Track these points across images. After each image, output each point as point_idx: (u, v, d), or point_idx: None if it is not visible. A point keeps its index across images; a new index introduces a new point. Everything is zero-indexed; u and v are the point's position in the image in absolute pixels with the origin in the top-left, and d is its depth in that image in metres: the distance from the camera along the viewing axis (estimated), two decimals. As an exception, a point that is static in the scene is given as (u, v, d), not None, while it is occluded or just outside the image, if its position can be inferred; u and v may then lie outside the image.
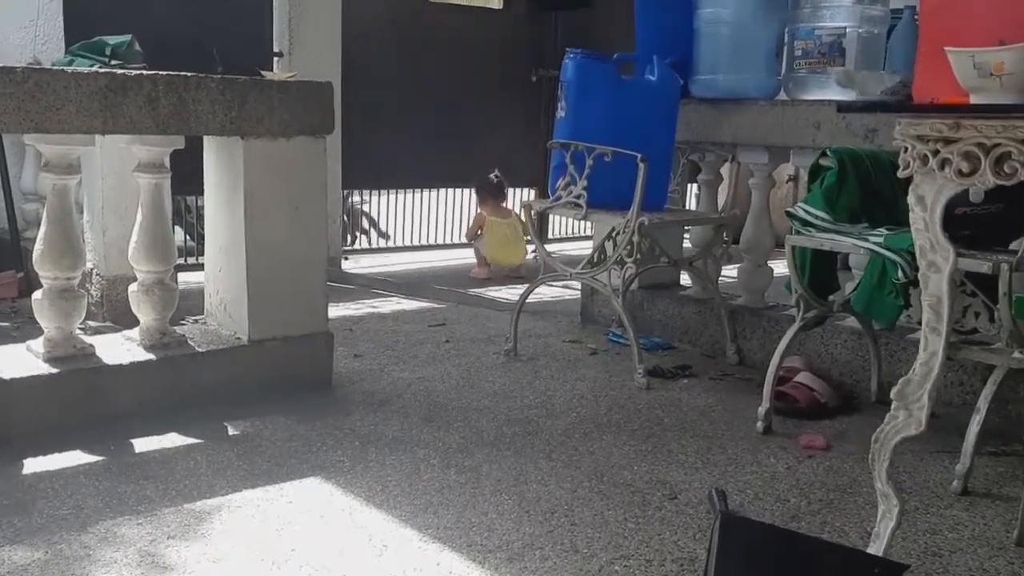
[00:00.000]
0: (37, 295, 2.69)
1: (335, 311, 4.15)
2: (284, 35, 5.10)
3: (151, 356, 2.79)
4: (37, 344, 2.71)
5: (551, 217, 6.48)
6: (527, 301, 3.69)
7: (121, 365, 2.72)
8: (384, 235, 6.48)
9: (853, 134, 3.17)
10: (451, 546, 2.05)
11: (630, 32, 3.79)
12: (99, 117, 2.52)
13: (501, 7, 6.29)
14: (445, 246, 6.43)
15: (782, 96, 3.64)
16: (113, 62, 3.23)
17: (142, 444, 2.56)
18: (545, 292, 4.69)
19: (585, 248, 5.44)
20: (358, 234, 6.33)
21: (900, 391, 1.85)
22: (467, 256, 5.79)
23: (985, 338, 2.42)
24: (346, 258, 5.75)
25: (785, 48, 3.62)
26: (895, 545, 2.03)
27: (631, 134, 3.31)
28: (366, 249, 6.30)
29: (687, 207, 4.52)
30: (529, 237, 4.81)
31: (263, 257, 2.93)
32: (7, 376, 2.55)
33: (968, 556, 2.08)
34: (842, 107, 2.45)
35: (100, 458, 2.45)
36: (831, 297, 2.91)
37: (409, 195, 6.42)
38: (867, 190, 2.74)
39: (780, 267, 3.49)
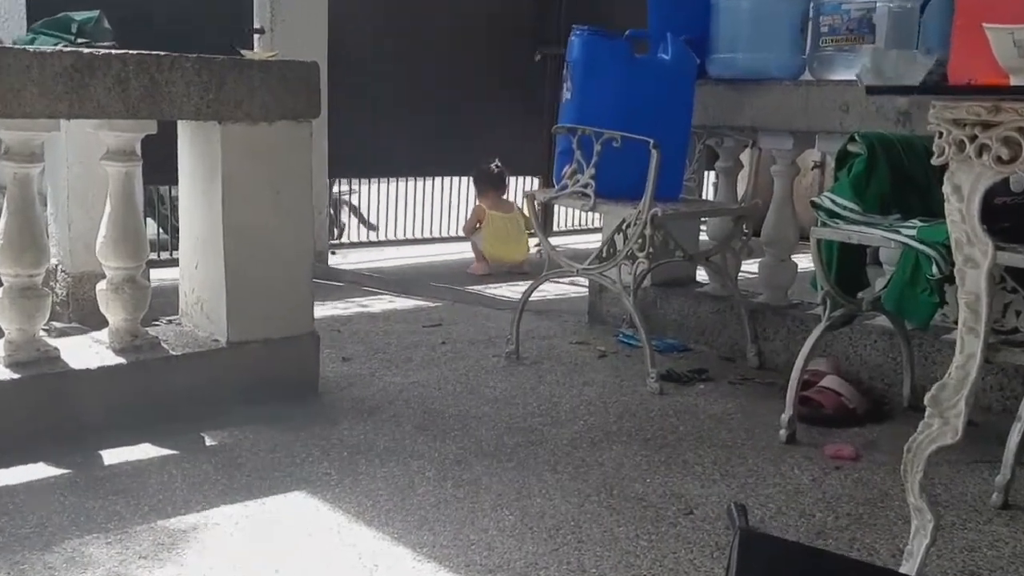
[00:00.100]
0: (-2, 294, 2.70)
1: (321, 310, 4.16)
2: (265, 10, 5.10)
3: (121, 360, 2.79)
4: (-2, 347, 2.71)
5: (556, 208, 6.48)
6: (530, 299, 3.69)
7: (89, 370, 2.72)
8: (371, 227, 6.49)
9: (884, 117, 3.17)
10: (448, 566, 2.05)
11: (642, 7, 3.78)
12: (64, 100, 2.52)
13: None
14: (441, 240, 6.43)
15: (807, 76, 3.64)
16: (79, 40, 3.23)
17: (112, 456, 2.56)
18: (549, 289, 4.69)
19: (593, 242, 5.44)
20: (339, 227, 6.33)
21: (935, 396, 1.85)
22: (465, 251, 5.79)
23: (1027, 339, 2.42)
24: (333, 252, 5.75)
25: (810, 24, 3.61)
26: (930, 564, 2.04)
27: (643, 118, 3.31)
28: (355, 243, 6.30)
29: (704, 197, 4.53)
30: (532, 231, 4.82)
31: (243, 252, 2.93)
32: (-35, 382, 2.55)
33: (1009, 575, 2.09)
34: (872, 89, 2.45)
35: (66, 471, 2.46)
36: (860, 294, 2.91)
37: (401, 184, 6.42)
38: (899, 178, 2.74)
39: (805, 262, 3.49)
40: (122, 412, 2.73)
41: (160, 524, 2.19)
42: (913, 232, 2.52)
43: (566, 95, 3.50)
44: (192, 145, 2.99)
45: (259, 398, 2.94)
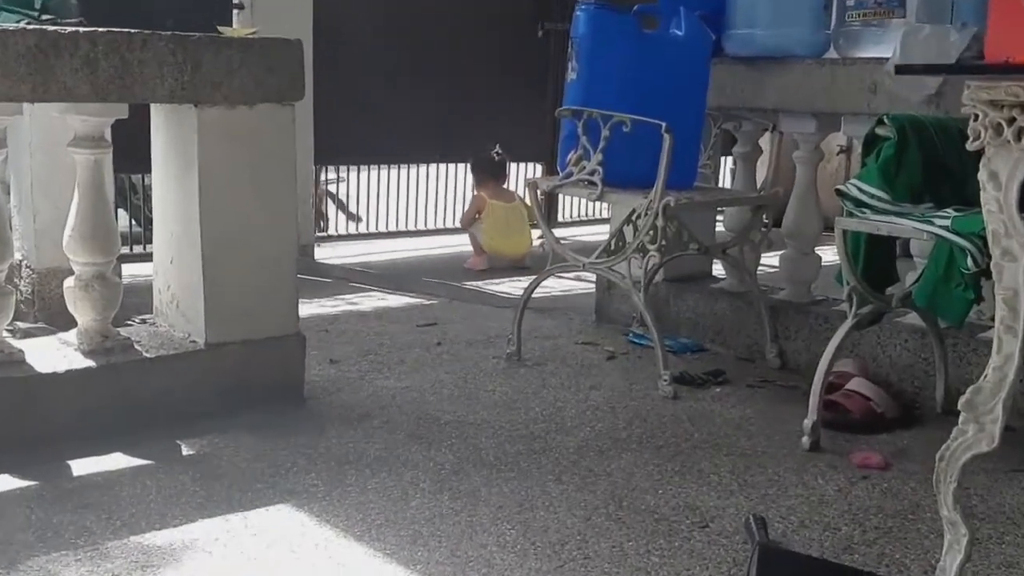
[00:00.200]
0: (-43, 292, 2.70)
1: (307, 308, 4.16)
2: (245, -16, 5.10)
3: (91, 363, 2.79)
4: (-43, 349, 2.71)
5: (560, 198, 6.49)
6: (533, 296, 3.69)
7: (56, 374, 2.72)
8: (354, 217, 6.48)
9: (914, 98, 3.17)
10: (444, 584, 2.05)
11: (653, -21, 3.78)
12: (27, 82, 2.52)
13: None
14: (436, 232, 6.44)
15: (832, 54, 3.63)
16: (44, 17, 3.23)
17: (81, 466, 2.56)
18: (553, 285, 4.69)
19: (600, 234, 5.44)
20: (324, 220, 6.33)
21: (970, 400, 1.85)
22: (462, 244, 5.79)
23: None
24: (319, 246, 5.75)
25: (835, -3, 3.61)
26: (965, 581, 2.03)
27: (654, 99, 3.30)
28: (343, 236, 6.30)
29: (720, 185, 4.52)
30: (535, 222, 4.82)
31: (222, 246, 2.93)
32: (-78, 387, 2.56)
33: (1051, 594, 2.09)
34: (901, 68, 2.44)
35: (32, 483, 2.46)
36: (889, 290, 2.90)
37: (393, 172, 6.42)
38: (932, 164, 2.74)
39: (829, 255, 3.49)
40: (92, 419, 2.73)
41: (134, 541, 2.19)
42: (947, 222, 2.52)
43: (571, 75, 3.49)
44: (166, 130, 2.99)
45: (240, 404, 2.94)
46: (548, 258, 3.58)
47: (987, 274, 2.40)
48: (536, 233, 5.31)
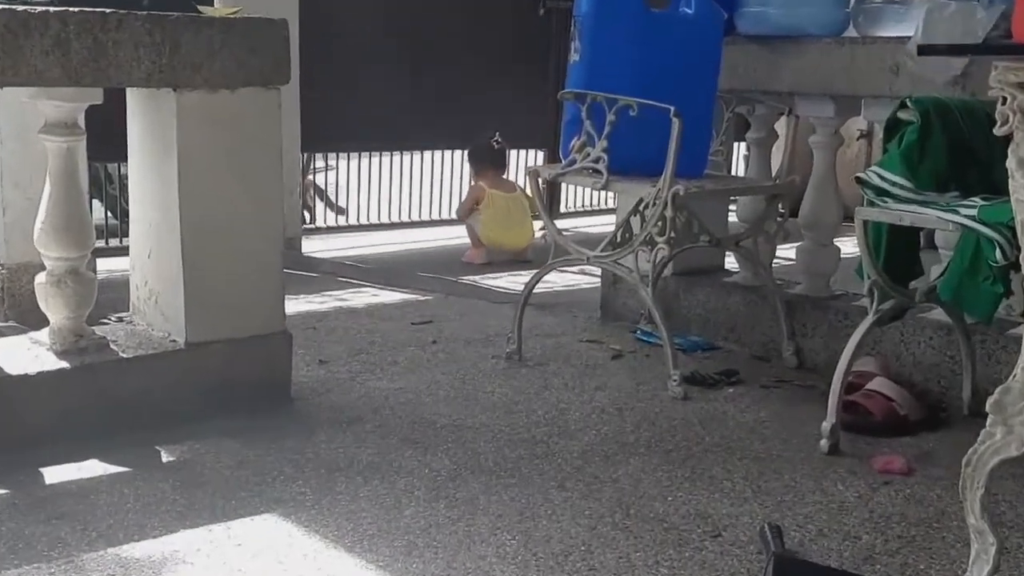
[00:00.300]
0: (-78, 289, 2.70)
1: (294, 305, 4.16)
2: (227, -40, 5.09)
3: (64, 364, 2.79)
4: (-78, 350, 2.72)
5: (563, 187, 6.48)
6: (534, 292, 3.69)
7: (27, 376, 2.72)
8: (339, 210, 6.48)
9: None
10: (440, 598, 2.06)
11: (660, -47, 3.78)
12: (-5, 65, 2.52)
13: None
14: (432, 223, 6.44)
15: (851, 32, 3.63)
16: (13, -4, 3.23)
17: (55, 474, 2.57)
18: (556, 280, 4.68)
19: (606, 225, 5.44)
20: (307, 212, 6.33)
21: (998, 401, 1.85)
22: (459, 236, 5.79)
23: (1105, 334, 2.42)
24: (307, 239, 5.75)
25: (855, -28, 3.61)
26: (993, 593, 2.03)
27: (663, 82, 3.30)
28: (332, 228, 6.30)
29: (733, 173, 4.52)
30: (536, 213, 4.81)
31: (203, 239, 2.93)
32: None
33: (1084, 606, 2.09)
34: (924, 48, 2.44)
35: (3, 492, 2.46)
36: (912, 284, 2.90)
37: (386, 160, 6.42)
38: (957, 150, 2.74)
39: (849, 246, 3.49)
40: (66, 423, 2.73)
41: (111, 552, 2.19)
42: (974, 212, 2.52)
43: (574, 56, 3.49)
44: (143, 116, 2.99)
45: (223, 406, 2.94)
46: (550, 251, 3.58)
47: (1017, 267, 2.41)
48: (538, 225, 5.31)
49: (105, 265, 4.15)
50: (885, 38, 3.44)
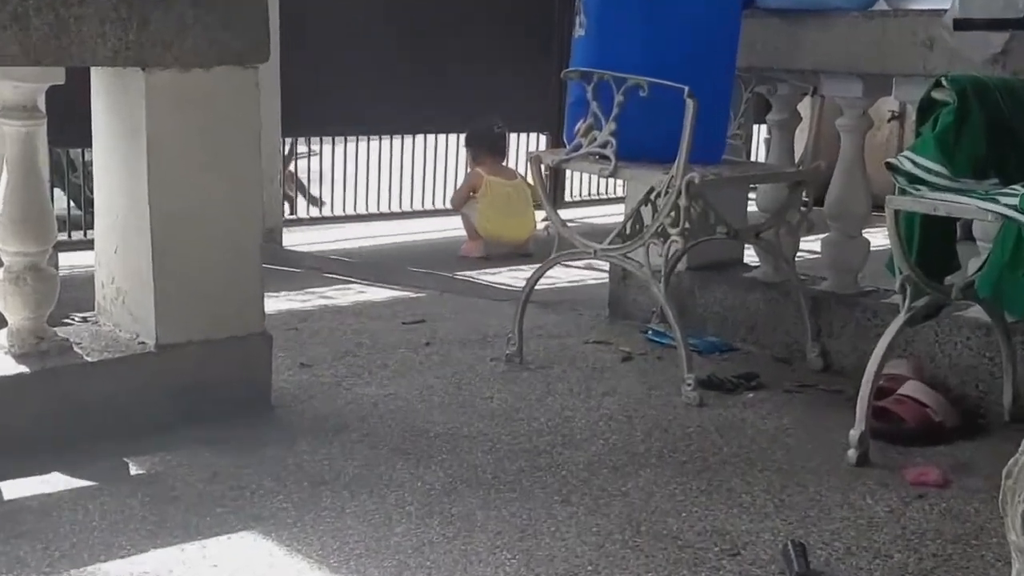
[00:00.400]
0: None
1: (275, 303, 4.16)
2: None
3: (24, 368, 2.79)
4: None
5: (568, 174, 6.48)
6: (536, 288, 3.69)
7: (-17, 381, 2.73)
8: (313, 200, 6.47)
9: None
10: (433, 623, 2.06)
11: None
12: (-52, 43, 2.52)
13: None
14: (425, 213, 6.43)
15: (881, 5, 3.63)
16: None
17: (13, 488, 2.56)
18: (560, 275, 4.69)
19: (614, 215, 5.44)
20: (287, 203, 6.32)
21: (1042, 407, 1.85)
22: (454, 227, 5.79)
23: None
24: (288, 231, 5.73)
25: (885, -61, 3.61)
26: (1037, 616, 2.03)
27: (676, 59, 3.30)
28: (316, 219, 6.31)
29: (753, 159, 4.52)
30: (539, 202, 4.81)
31: (174, 231, 2.92)
32: None
33: None
34: (961, 23, 2.44)
35: (-43, 507, 2.47)
36: (948, 279, 2.90)
37: (375, 145, 6.41)
38: (997, 133, 2.74)
39: (879, 238, 3.48)
40: (26, 433, 2.72)
41: (74, 574, 2.18)
42: (1015, 201, 2.52)
43: (579, 31, 3.49)
44: (109, 98, 2.98)
45: (197, 414, 2.94)
46: (554, 244, 3.58)
47: (1062, 260, 2.40)
48: (540, 215, 5.31)
49: (68, 260, 4.15)
50: (918, 11, 3.44)
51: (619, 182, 5.19)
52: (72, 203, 5.47)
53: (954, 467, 2.83)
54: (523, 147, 6.56)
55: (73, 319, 3.43)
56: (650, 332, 3.94)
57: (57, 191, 5.72)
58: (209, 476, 2.66)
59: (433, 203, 6.50)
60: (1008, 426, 3.07)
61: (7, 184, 2.83)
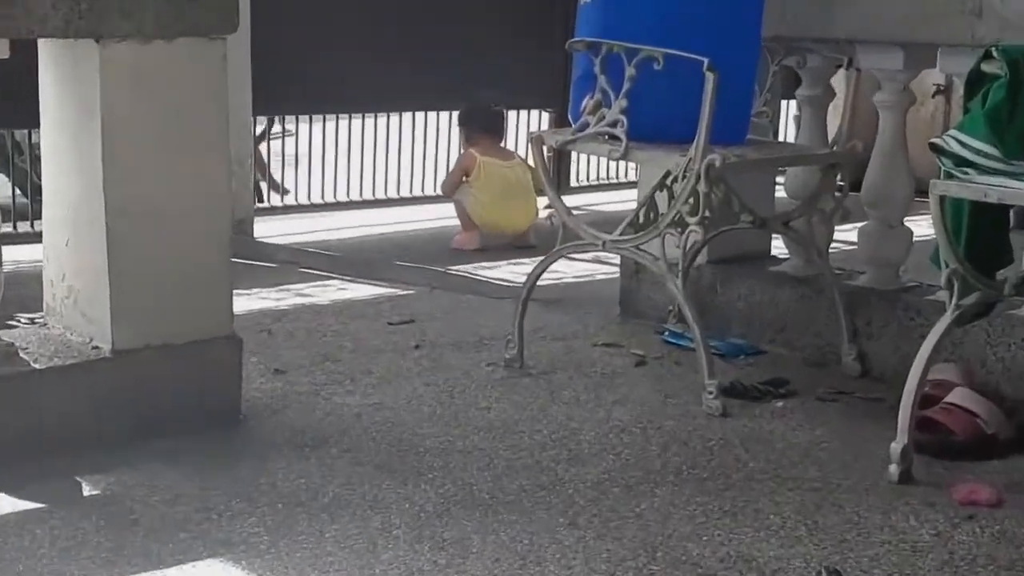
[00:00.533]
0: None
1: (245, 302, 4.16)
2: None
3: (-36, 376, 2.79)
4: None
5: (573, 156, 6.48)
6: (538, 284, 3.68)
7: (-81, 391, 2.73)
8: (276, 187, 6.46)
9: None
10: (424, 661, 2.06)
11: None
12: None
13: None
14: (413, 200, 6.43)
15: (924, -33, 3.63)
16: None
17: (-48, 510, 2.57)
18: (566, 270, 4.69)
19: (626, 202, 5.43)
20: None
21: (1107, 418, 1.85)
22: (447, 216, 5.78)
23: None
24: (260, 220, 5.73)
25: None
26: (1101, 652, 2.04)
27: (694, 28, 3.30)
28: (291, 207, 6.30)
29: (781, 138, 4.51)
30: (541, 188, 4.81)
31: (133, 222, 2.92)
32: None
33: None
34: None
35: None
36: (1000, 274, 2.90)
37: (356, 124, 6.41)
38: (1055, 109, 2.73)
39: (923, 228, 3.48)
40: (-34, 449, 2.73)
41: (20, 607, 2.19)
42: (1075, 185, 2.52)
43: (585, -4, 3.49)
44: (59, 72, 2.98)
45: (158, 427, 2.94)
46: (558, 235, 3.58)
47: None
48: (542, 202, 5.30)
49: (12, 255, 4.14)
50: (965, -27, 3.44)
51: (631, 165, 5.19)
52: (17, 190, 5.47)
53: (1008, 484, 2.83)
54: (523, 126, 6.56)
55: (19, 321, 3.43)
56: (666, 333, 3.94)
57: (1, 177, 5.73)
58: (171, 497, 2.65)
59: (422, 189, 6.50)
60: (1068, 438, 3.08)
61: (-56, 170, 2.83)
